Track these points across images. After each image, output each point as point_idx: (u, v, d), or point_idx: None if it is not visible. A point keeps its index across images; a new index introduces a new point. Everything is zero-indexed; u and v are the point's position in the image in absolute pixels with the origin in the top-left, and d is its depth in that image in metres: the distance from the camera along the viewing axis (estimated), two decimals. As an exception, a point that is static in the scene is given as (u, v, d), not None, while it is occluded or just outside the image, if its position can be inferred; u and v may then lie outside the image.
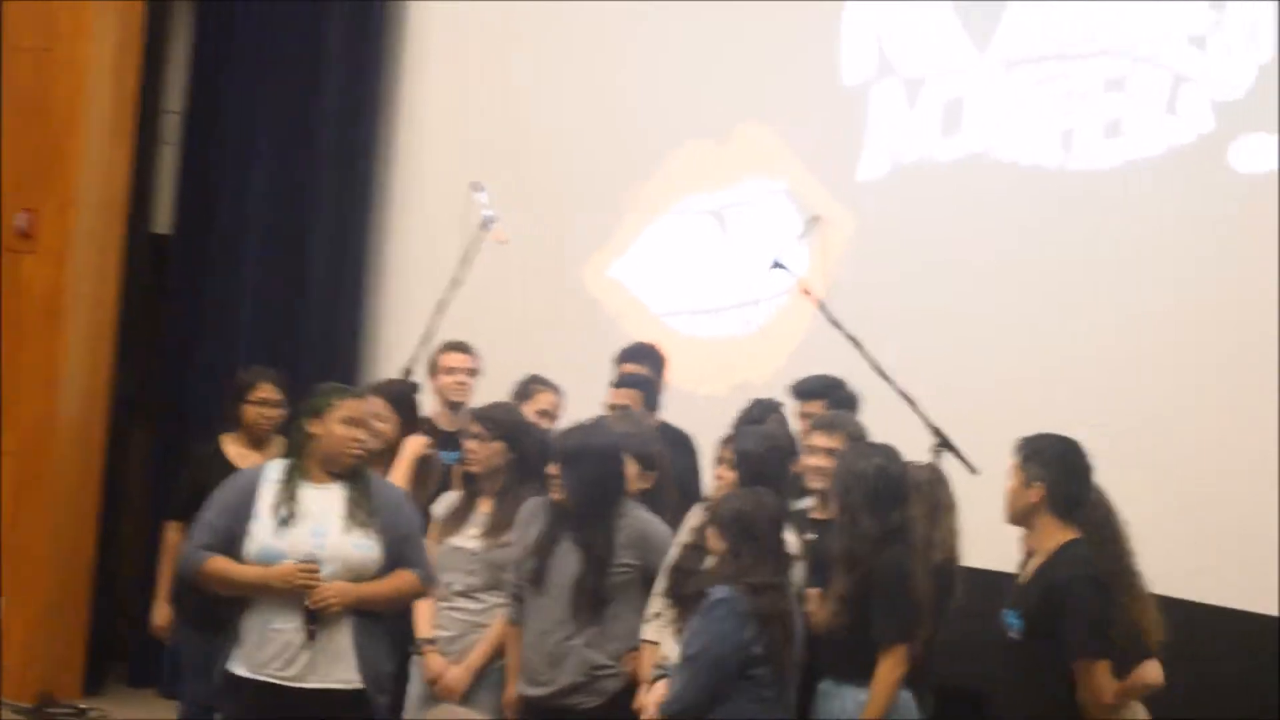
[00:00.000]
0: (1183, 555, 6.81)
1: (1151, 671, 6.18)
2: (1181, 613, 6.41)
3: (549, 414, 7.85)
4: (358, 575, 6.25)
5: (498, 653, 7.03)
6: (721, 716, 6.04)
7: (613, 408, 7.74)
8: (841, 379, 7.52)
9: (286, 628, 6.24)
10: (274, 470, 6.41)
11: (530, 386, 7.92)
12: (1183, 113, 8.14)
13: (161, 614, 7.92)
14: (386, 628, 6.41)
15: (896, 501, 6.27)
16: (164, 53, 10.86)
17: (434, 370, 8.29)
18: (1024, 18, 8.54)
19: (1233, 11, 8.07)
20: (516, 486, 7.12)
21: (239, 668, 6.31)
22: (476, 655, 7.05)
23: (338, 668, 6.24)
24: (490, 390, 8.08)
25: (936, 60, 8.74)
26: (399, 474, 7.39)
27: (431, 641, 7.08)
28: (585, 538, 6.70)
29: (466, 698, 6.99)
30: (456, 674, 7.03)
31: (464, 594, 7.10)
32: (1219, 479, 7.87)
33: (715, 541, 6.21)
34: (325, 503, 6.31)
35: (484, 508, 7.18)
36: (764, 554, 6.17)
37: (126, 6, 10.24)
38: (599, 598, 6.69)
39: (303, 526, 6.26)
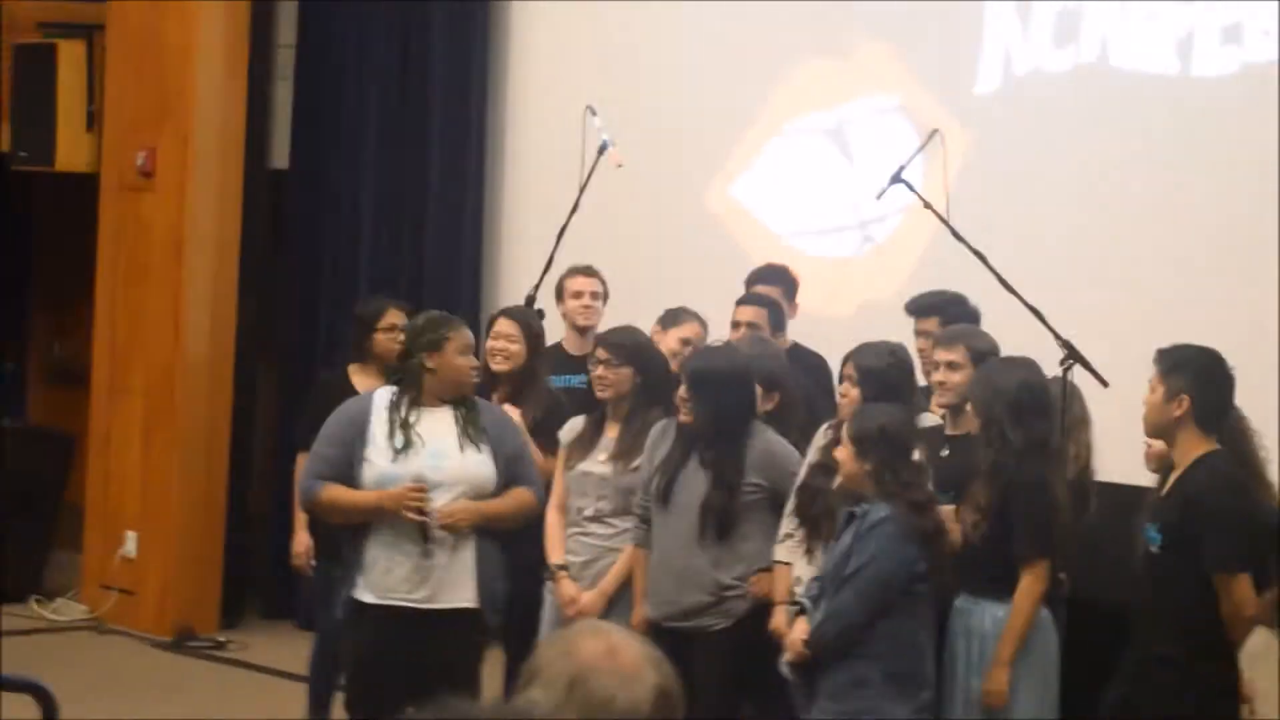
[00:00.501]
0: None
1: None
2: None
3: (691, 343, 7.81)
4: (479, 494, 6.41)
5: (629, 578, 7.07)
6: (882, 634, 6.08)
7: (736, 325, 7.77)
8: (960, 295, 7.50)
9: (412, 551, 6.36)
10: (383, 398, 6.51)
11: (679, 314, 7.88)
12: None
13: (301, 543, 8.01)
14: (502, 546, 6.52)
15: (1039, 415, 6.26)
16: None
17: (560, 295, 8.29)
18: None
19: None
20: (644, 410, 7.14)
21: (365, 594, 6.44)
22: (610, 580, 7.10)
23: (461, 588, 6.41)
24: (615, 315, 8.10)
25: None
26: None
27: (564, 567, 7.13)
28: (713, 458, 6.72)
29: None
30: (590, 599, 7.08)
31: (595, 519, 7.16)
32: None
33: (851, 460, 6.20)
34: (439, 426, 6.44)
35: (611, 432, 7.20)
36: (915, 469, 6.21)
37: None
38: (727, 518, 6.71)
39: (420, 451, 6.39)
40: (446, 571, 6.38)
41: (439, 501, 6.36)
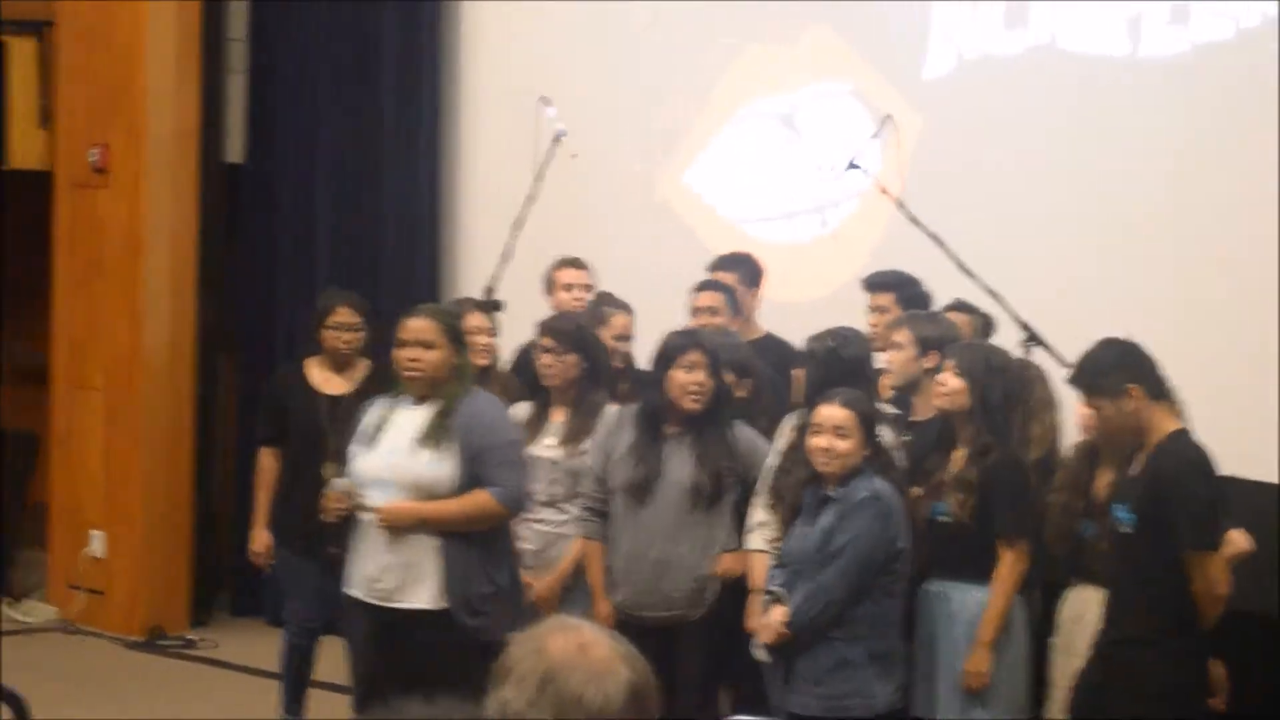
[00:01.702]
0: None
1: (1240, 539, 6.19)
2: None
3: (624, 338, 7.90)
4: (428, 494, 6.35)
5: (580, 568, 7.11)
6: (863, 613, 6.14)
7: (696, 311, 7.80)
8: (915, 277, 7.56)
9: (374, 548, 6.39)
10: (386, 398, 6.56)
11: (603, 310, 7.90)
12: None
13: (259, 540, 8.01)
14: (480, 548, 6.44)
15: (1023, 398, 6.34)
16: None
17: (551, 287, 8.34)
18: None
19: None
20: (591, 394, 7.23)
21: (348, 587, 6.50)
22: (564, 568, 7.16)
23: (421, 589, 6.37)
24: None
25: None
26: None
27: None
28: (703, 443, 6.74)
29: (559, 609, 7.02)
30: (546, 583, 7.14)
31: (547, 504, 7.20)
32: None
33: (858, 450, 6.21)
34: (409, 424, 6.42)
35: (558, 417, 7.27)
36: (885, 450, 6.26)
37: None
38: (713, 503, 6.75)
39: (381, 449, 6.41)
40: (405, 572, 6.37)
41: (380, 500, 6.37)
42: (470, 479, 6.38)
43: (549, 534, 7.19)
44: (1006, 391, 6.37)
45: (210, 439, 10.54)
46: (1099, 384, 5.83)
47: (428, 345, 6.41)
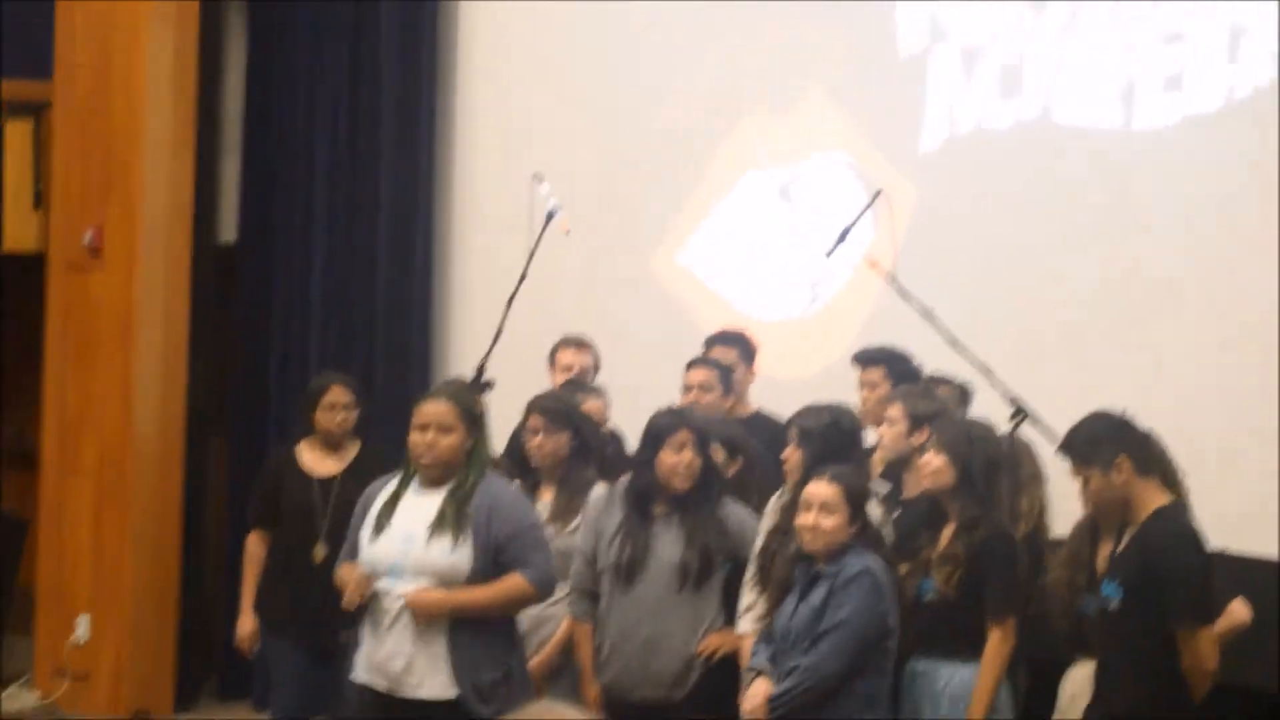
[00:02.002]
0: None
1: (1239, 610, 6.17)
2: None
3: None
4: (448, 582, 6.22)
5: (568, 648, 7.04)
6: (856, 691, 6.06)
7: (688, 389, 7.74)
8: (906, 353, 7.51)
9: (384, 635, 6.28)
10: (393, 481, 6.44)
11: (575, 397, 7.76)
12: (1243, 64, 8.05)
13: (245, 625, 7.93)
14: (490, 634, 6.32)
15: (1009, 472, 6.28)
16: (221, 61, 10.89)
17: (553, 365, 8.31)
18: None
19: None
20: (579, 472, 7.18)
21: (356, 673, 6.39)
22: (550, 649, 7.08)
23: (433, 678, 6.23)
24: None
25: (991, 25, 8.68)
26: None
27: None
28: (692, 521, 6.67)
29: (547, 691, 6.93)
30: (534, 665, 6.98)
31: None
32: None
33: (844, 526, 6.15)
34: (422, 510, 6.30)
35: (546, 495, 7.22)
36: (874, 527, 6.21)
37: (181, 15, 10.25)
38: (702, 581, 6.67)
39: (394, 535, 6.28)
40: (416, 660, 6.23)
41: (403, 588, 6.23)
42: (491, 566, 6.25)
43: (538, 615, 7.03)
44: (990, 463, 6.31)
45: (200, 521, 10.48)
46: (1088, 454, 5.83)
47: (446, 429, 6.26)
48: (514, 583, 6.26)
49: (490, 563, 6.23)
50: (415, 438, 6.31)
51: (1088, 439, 5.84)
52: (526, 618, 6.96)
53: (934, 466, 6.34)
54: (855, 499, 6.16)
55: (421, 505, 6.30)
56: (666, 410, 6.90)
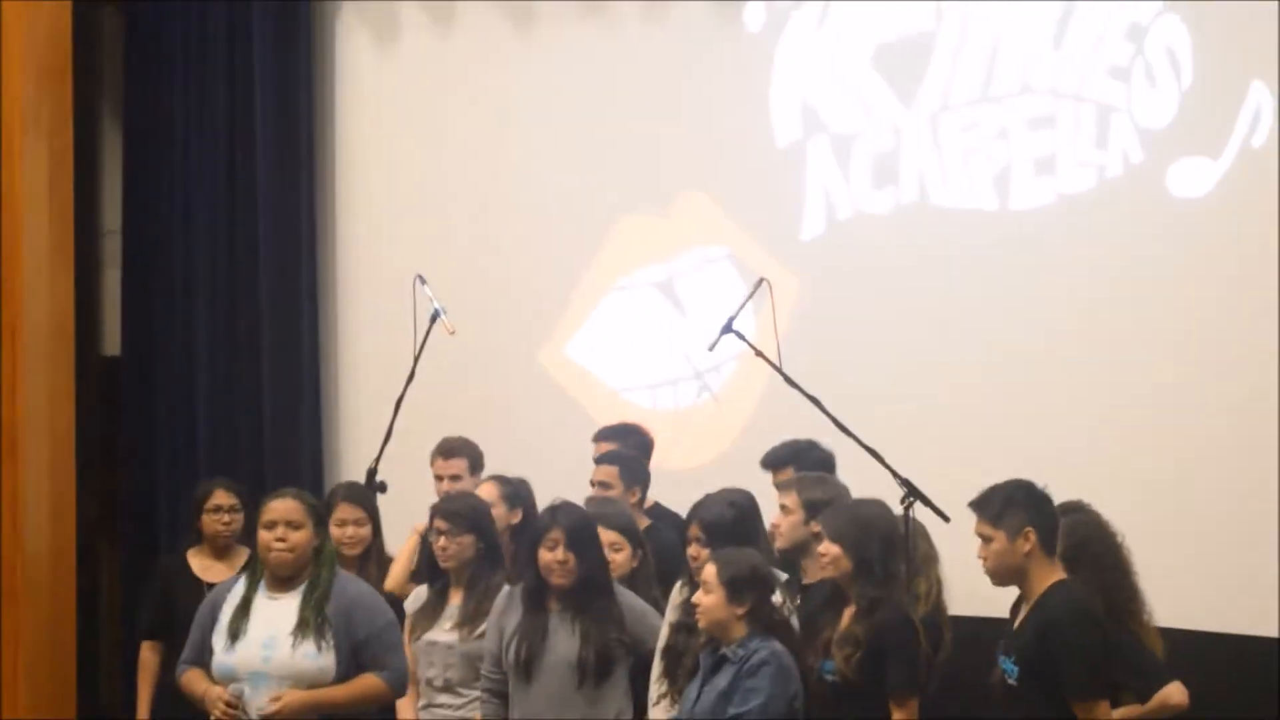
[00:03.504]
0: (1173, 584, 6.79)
1: (1175, 693, 6.21)
2: (1178, 639, 6.46)
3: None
4: (310, 685, 6.23)
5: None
6: None
7: (595, 484, 7.77)
8: (812, 442, 7.54)
9: None
10: (240, 584, 6.41)
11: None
12: (1113, 144, 8.21)
13: (144, 736, 7.88)
14: None
15: (902, 553, 6.30)
16: (98, 173, 10.86)
17: (437, 476, 8.26)
18: (945, 67, 8.60)
19: (1151, 41, 8.15)
20: (487, 576, 7.14)
21: None
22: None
23: None
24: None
25: (864, 115, 8.79)
26: (399, 565, 7.58)
27: None
28: (586, 617, 6.67)
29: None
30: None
31: (445, 689, 7.09)
32: (1181, 508, 7.91)
33: (722, 605, 6.17)
34: (277, 614, 6.30)
35: (455, 599, 7.18)
36: (777, 609, 6.22)
37: (54, 132, 10.21)
38: (601, 675, 6.66)
39: (254, 641, 6.26)
40: None
41: (263, 697, 6.20)
42: (353, 666, 6.29)
43: (449, 719, 7.07)
44: (886, 543, 6.28)
45: (94, 633, 10.37)
46: (998, 516, 5.82)
47: (296, 525, 6.29)
48: (371, 683, 6.31)
49: (352, 663, 6.28)
50: (264, 536, 6.30)
51: (1003, 501, 5.84)
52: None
53: (830, 556, 6.34)
54: (733, 580, 6.15)
55: (276, 609, 6.29)
56: (547, 508, 6.93)
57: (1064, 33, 8.33)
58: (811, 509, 6.70)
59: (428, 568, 7.38)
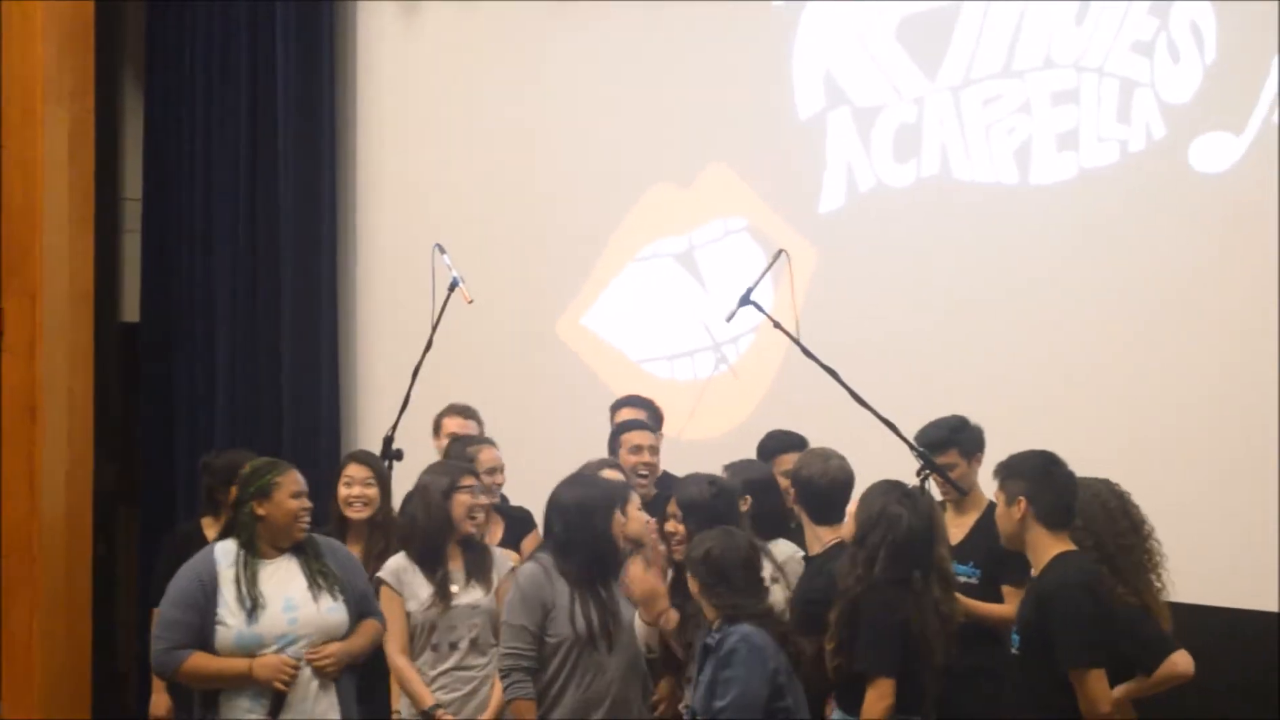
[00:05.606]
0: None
1: (1181, 662, 6.22)
2: (1178, 613, 6.44)
3: (494, 470, 7.82)
4: (333, 638, 6.42)
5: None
6: None
7: (637, 448, 7.78)
8: (802, 436, 7.57)
9: (262, 712, 6.31)
10: (225, 555, 6.43)
11: (468, 451, 7.76)
12: (1136, 119, 8.17)
13: (158, 704, 7.87)
14: (352, 679, 6.55)
15: (908, 551, 6.20)
16: (119, 140, 10.87)
17: (437, 431, 8.30)
18: (969, 40, 8.57)
19: (1175, 16, 8.12)
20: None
21: None
22: (490, 714, 7.05)
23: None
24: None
25: (887, 88, 8.77)
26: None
27: (440, 705, 7.04)
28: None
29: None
30: (483, 728, 7.06)
31: (473, 649, 7.11)
32: (1185, 491, 7.88)
33: (696, 589, 6.20)
34: (285, 577, 6.41)
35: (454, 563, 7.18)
36: (743, 587, 6.17)
37: (76, 99, 10.23)
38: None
39: (273, 607, 6.34)
40: (328, 713, 6.38)
41: (296, 653, 6.33)
42: (355, 615, 6.51)
43: (476, 678, 7.09)
44: (892, 533, 6.19)
45: (111, 599, 10.40)
46: (1002, 478, 5.99)
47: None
48: (377, 628, 6.64)
49: (355, 613, 6.50)
50: (298, 504, 6.44)
51: (1008, 469, 5.98)
52: (462, 682, 7.06)
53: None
54: (692, 563, 6.18)
55: (280, 573, 6.41)
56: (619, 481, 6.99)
57: (1087, 7, 8.29)
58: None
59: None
